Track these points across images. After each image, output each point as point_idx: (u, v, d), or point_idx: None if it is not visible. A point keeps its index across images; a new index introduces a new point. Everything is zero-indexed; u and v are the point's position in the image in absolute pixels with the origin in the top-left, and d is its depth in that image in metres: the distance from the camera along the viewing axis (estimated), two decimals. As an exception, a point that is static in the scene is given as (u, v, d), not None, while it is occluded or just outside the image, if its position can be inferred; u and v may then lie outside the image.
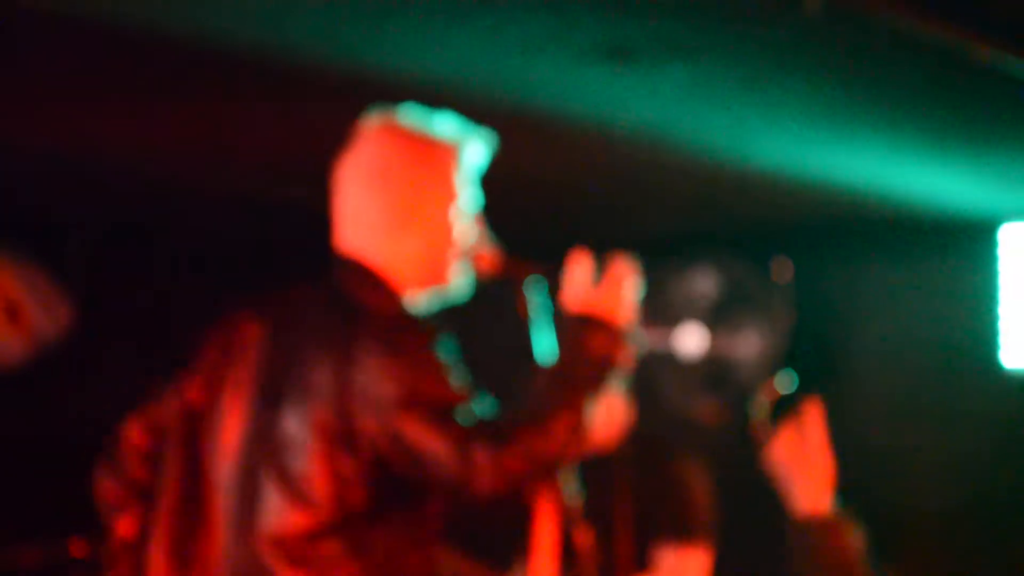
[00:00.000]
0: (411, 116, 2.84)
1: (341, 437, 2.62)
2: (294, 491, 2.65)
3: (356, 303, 2.74)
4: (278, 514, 2.66)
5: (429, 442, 2.57)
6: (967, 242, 5.28)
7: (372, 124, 2.85)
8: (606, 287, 2.80)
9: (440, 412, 2.59)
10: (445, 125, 2.86)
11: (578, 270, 2.82)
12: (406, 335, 2.67)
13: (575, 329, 2.76)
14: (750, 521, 5.74)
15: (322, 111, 3.62)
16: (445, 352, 2.67)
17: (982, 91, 3.44)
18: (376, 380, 2.60)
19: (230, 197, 5.45)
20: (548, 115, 3.81)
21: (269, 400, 2.73)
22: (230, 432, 2.77)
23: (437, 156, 2.85)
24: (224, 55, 3.33)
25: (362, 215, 2.82)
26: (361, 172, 2.84)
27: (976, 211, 5.03)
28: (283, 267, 3.15)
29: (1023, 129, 3.79)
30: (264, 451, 2.70)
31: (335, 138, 2.90)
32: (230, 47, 3.25)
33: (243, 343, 2.83)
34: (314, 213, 3.16)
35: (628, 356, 2.78)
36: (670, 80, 3.44)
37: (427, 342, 2.66)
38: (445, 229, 2.84)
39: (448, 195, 2.85)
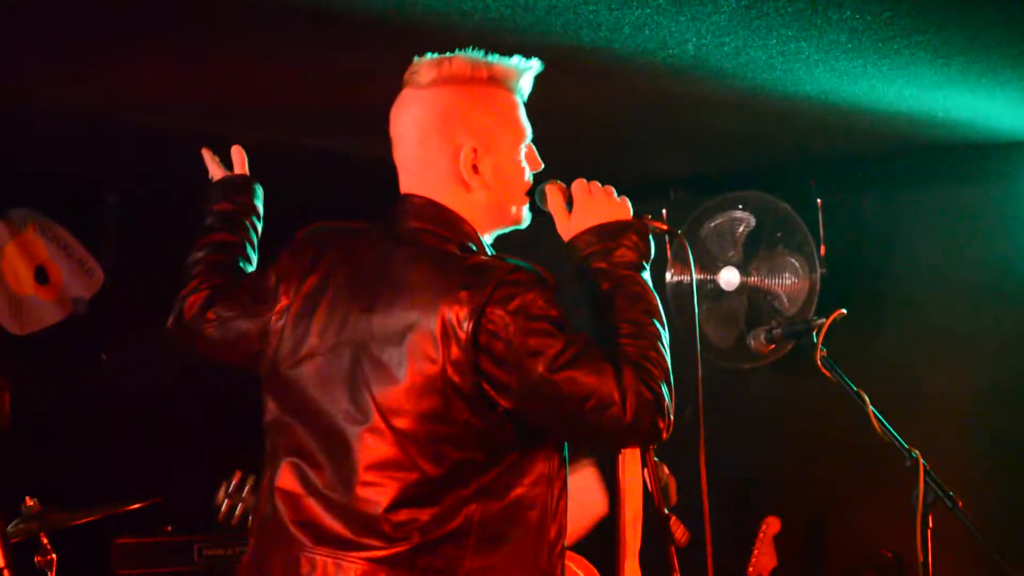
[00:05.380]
0: (466, 59, 2.78)
1: (449, 388, 2.59)
2: (389, 436, 2.63)
3: (444, 248, 2.71)
4: (372, 452, 2.64)
5: (585, 385, 2.55)
6: (1005, 162, 5.25)
7: (428, 69, 2.78)
8: (586, 200, 2.84)
9: (582, 353, 2.57)
10: (500, 66, 2.80)
11: (553, 200, 2.86)
12: (522, 282, 2.60)
13: (593, 244, 2.78)
14: (809, 448, 5.77)
15: (370, 58, 3.60)
16: (555, 294, 2.63)
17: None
18: (514, 334, 2.56)
19: (269, 150, 5.41)
20: (595, 50, 3.78)
21: (357, 332, 2.70)
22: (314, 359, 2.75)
23: (497, 98, 2.80)
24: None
25: (428, 165, 2.79)
26: (422, 121, 2.78)
27: (1015, 131, 4.99)
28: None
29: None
30: (353, 386, 2.68)
31: (387, 86, 2.86)
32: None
33: (321, 267, 2.82)
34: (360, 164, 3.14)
35: (647, 241, 2.81)
36: (716, 12, 3.41)
37: (541, 285, 2.61)
38: (512, 171, 2.82)
39: (512, 136, 2.82)
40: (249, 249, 3.19)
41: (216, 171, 3.31)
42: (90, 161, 5.73)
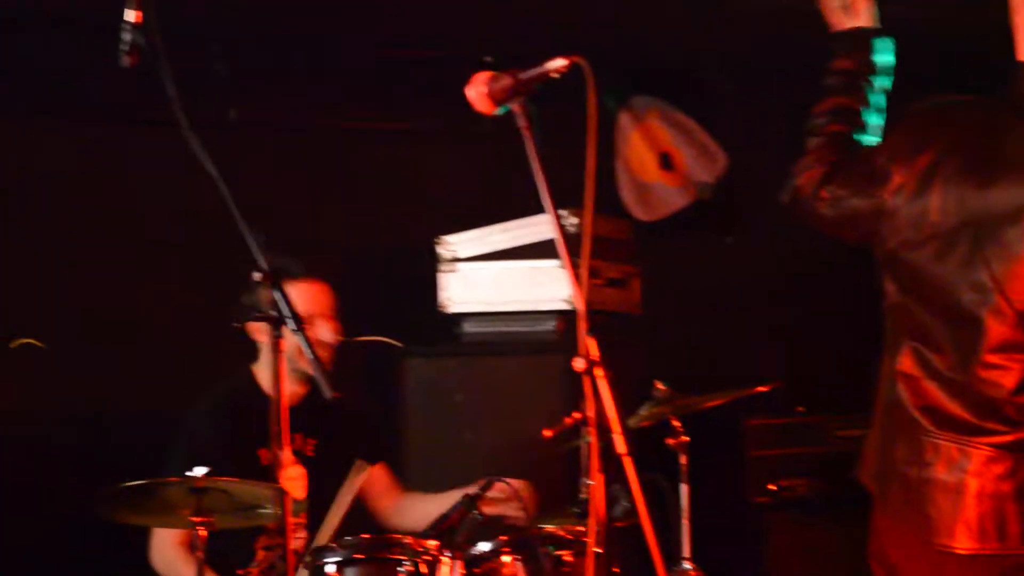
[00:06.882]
0: None
1: None
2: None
3: None
4: (994, 333, 2.61)
5: None
6: None
7: None
8: None
9: None
10: None
11: None
12: None
13: None
14: None
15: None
16: None
17: None
18: None
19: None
20: None
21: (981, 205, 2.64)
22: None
23: None
24: None
25: None
26: None
27: None
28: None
29: None
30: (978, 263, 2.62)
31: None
32: None
33: (939, 144, 2.75)
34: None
35: None
36: None
37: None
38: None
39: None
40: (865, 114, 3.04)
41: (840, 20, 3.07)
42: (706, 45, 5.74)
